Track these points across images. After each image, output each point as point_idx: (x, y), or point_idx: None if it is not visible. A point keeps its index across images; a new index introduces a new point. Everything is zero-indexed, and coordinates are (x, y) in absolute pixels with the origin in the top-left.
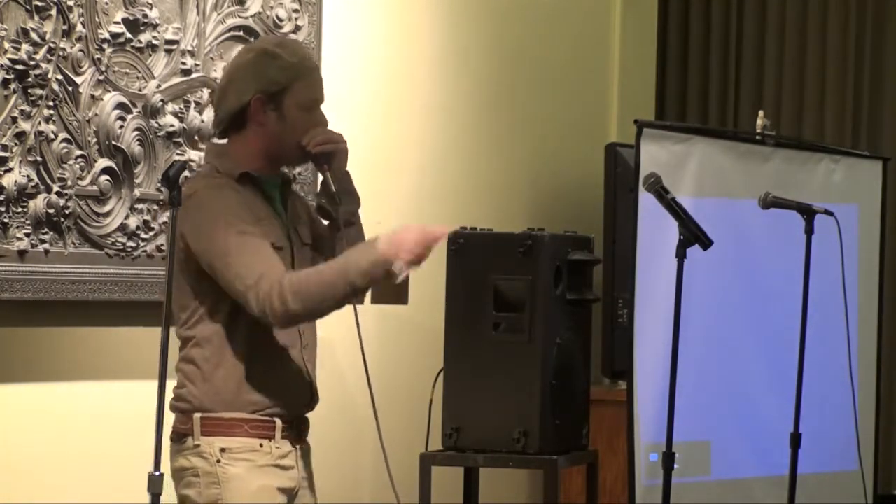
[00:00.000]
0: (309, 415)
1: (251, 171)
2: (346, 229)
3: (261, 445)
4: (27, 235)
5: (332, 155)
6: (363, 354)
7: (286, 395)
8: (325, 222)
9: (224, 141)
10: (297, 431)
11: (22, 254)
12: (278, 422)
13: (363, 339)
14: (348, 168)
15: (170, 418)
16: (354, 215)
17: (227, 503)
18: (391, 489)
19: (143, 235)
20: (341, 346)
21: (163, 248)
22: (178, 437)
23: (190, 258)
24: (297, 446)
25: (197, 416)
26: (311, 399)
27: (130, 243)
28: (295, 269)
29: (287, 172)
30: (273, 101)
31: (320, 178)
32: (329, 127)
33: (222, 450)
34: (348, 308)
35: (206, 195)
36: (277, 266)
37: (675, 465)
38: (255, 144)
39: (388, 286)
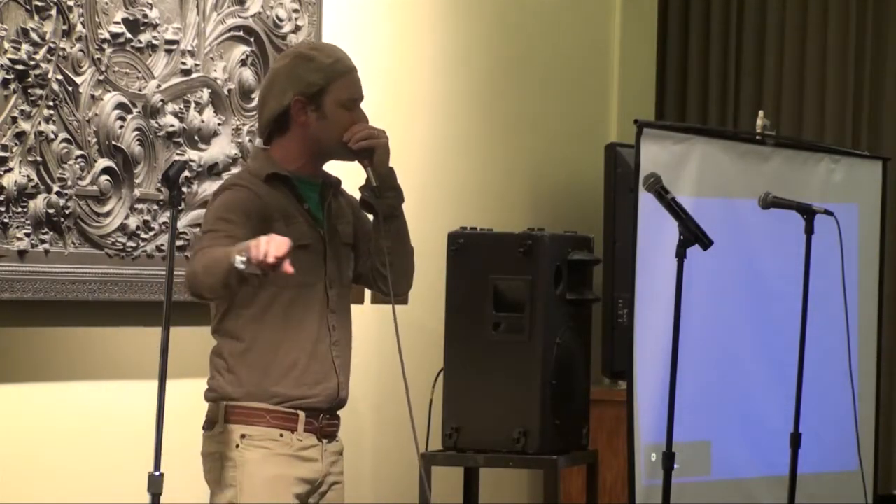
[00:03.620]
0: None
1: (284, 172)
2: (387, 222)
3: (281, 435)
4: (27, 235)
5: (373, 150)
6: (400, 354)
7: (311, 389)
8: (371, 218)
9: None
10: (323, 427)
11: (22, 254)
12: (301, 415)
13: (400, 342)
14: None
15: (173, 417)
16: (396, 209)
17: (240, 486)
18: (391, 489)
19: (143, 235)
20: None
21: (163, 248)
22: (208, 424)
23: None
24: (324, 442)
25: (223, 404)
26: (338, 396)
27: (130, 243)
28: (328, 266)
29: (334, 176)
30: (313, 102)
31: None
32: (368, 123)
33: (242, 436)
34: (351, 309)
35: (218, 196)
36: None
37: (675, 465)
38: (297, 145)
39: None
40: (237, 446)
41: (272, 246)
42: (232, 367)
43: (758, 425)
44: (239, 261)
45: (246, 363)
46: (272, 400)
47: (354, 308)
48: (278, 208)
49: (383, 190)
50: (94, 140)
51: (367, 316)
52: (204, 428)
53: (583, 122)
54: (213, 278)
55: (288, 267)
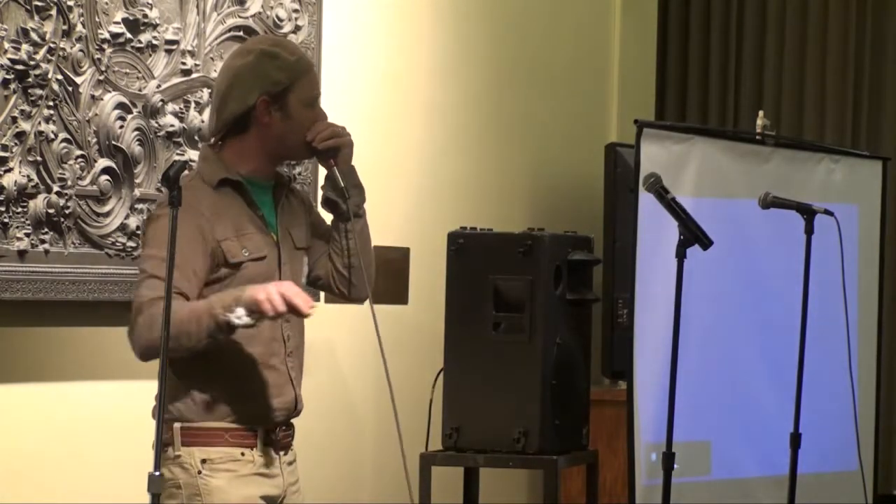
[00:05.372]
0: (308, 417)
1: (236, 177)
2: (354, 221)
3: (242, 454)
4: (27, 235)
5: (337, 149)
6: (383, 355)
7: (268, 403)
8: (330, 217)
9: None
10: (280, 440)
11: (22, 254)
12: (260, 430)
13: (379, 340)
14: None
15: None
16: (361, 208)
17: None
18: (391, 489)
19: None
20: (342, 347)
21: None
22: None
23: None
24: (281, 454)
25: (177, 425)
26: (295, 407)
27: (130, 243)
28: (282, 274)
29: (285, 174)
30: (277, 102)
31: (324, 172)
32: (330, 121)
33: (203, 461)
34: (349, 309)
35: (160, 213)
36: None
37: (675, 465)
38: (257, 146)
39: (389, 285)
40: (199, 472)
41: (293, 297)
42: (185, 385)
43: (758, 425)
44: (236, 317)
45: (200, 380)
46: (229, 418)
47: (355, 308)
48: (227, 221)
49: (349, 189)
50: (94, 140)
51: (366, 316)
52: (154, 449)
53: (583, 122)
54: (190, 340)
55: (308, 310)
